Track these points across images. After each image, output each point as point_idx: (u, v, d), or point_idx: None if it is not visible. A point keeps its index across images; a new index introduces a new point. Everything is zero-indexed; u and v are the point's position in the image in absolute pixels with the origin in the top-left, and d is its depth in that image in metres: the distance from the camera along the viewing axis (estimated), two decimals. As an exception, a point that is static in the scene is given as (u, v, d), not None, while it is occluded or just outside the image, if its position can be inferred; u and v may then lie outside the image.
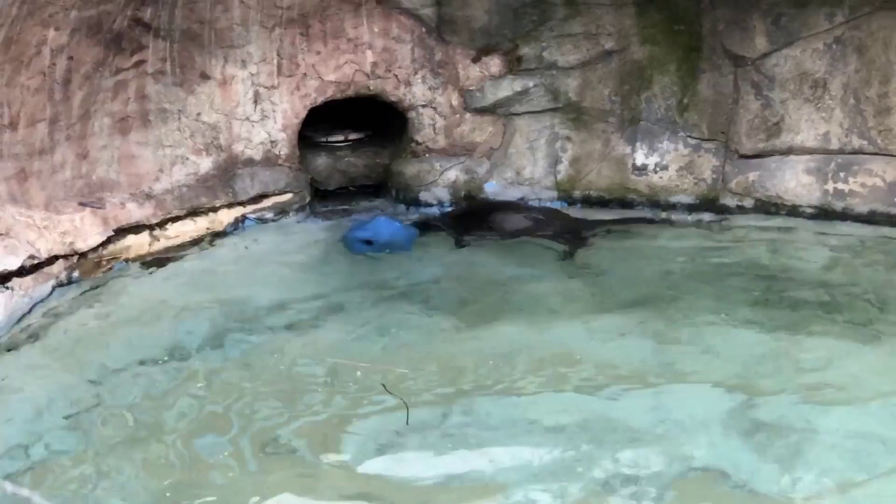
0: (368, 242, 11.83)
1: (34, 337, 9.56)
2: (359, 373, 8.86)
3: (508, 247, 11.85)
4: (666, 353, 9.16)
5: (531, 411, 8.21)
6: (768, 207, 12.26)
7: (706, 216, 12.36)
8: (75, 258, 10.57)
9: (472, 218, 12.43)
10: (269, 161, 12.63)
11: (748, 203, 12.32)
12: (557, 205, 12.79)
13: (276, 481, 7.41)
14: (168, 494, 7.20)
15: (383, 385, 8.60)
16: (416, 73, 12.95)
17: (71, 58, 10.45)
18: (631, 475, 7.36)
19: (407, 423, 8.04)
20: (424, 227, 12.30)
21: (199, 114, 12.05)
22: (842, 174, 11.99)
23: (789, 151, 12.15)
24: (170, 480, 7.37)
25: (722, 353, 9.12)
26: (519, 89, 12.78)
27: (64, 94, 10.55)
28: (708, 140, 12.46)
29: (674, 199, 12.57)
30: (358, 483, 7.45)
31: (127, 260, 11.14)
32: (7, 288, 9.63)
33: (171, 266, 11.26)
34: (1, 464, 7.39)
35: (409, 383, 8.66)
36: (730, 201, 12.39)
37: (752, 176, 12.25)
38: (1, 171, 10.10)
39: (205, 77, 12.02)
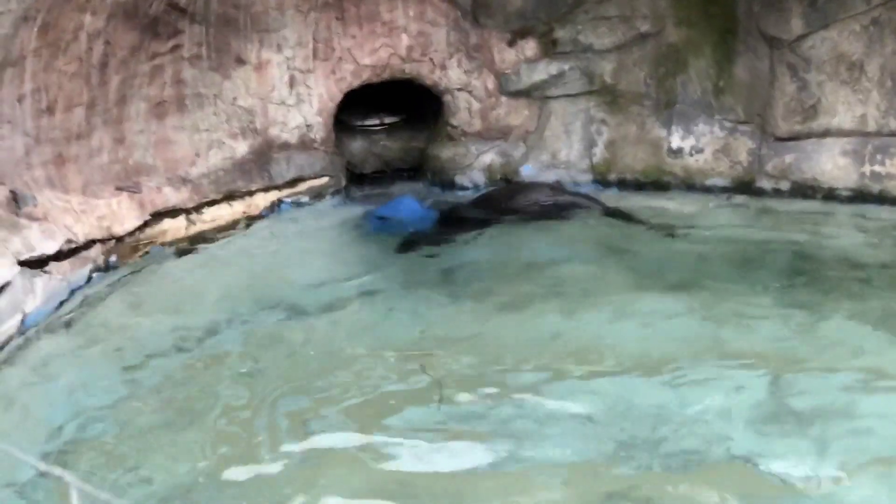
0: (384, 219, 11.91)
1: (72, 321, 9.63)
2: (392, 357, 8.88)
3: (540, 228, 11.84)
4: (704, 336, 9.13)
5: (571, 395, 8.22)
6: (804, 190, 12.19)
7: (742, 199, 12.31)
8: (112, 242, 10.63)
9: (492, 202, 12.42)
10: (305, 145, 12.66)
11: (784, 186, 12.25)
12: (591, 188, 12.75)
13: (311, 465, 7.42)
14: (201, 480, 7.23)
15: (421, 366, 8.61)
16: (451, 57, 12.94)
17: (108, 42, 10.50)
18: (669, 459, 7.35)
19: (439, 403, 8.05)
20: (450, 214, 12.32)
21: (234, 98, 12.08)
22: (878, 157, 11.90)
23: (826, 134, 12.07)
24: (204, 464, 7.40)
25: (758, 334, 9.08)
26: (554, 72, 12.77)
27: (101, 78, 10.60)
28: (744, 123, 12.41)
29: (709, 182, 12.53)
30: (394, 467, 7.46)
31: (164, 244, 11.19)
32: (45, 272, 9.69)
33: (207, 250, 11.31)
34: (38, 445, 7.45)
35: (443, 366, 8.66)
36: (766, 184, 12.33)
37: (788, 159, 12.18)
38: (39, 156, 10.16)
39: (240, 61, 12.05)
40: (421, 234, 11.63)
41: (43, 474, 6.81)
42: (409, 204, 12.23)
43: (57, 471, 2.92)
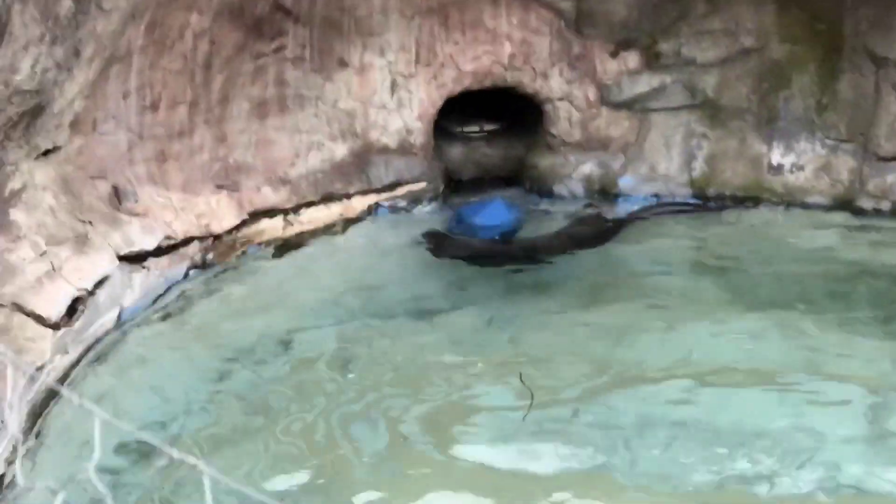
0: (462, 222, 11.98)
1: (168, 317, 9.75)
2: (480, 364, 8.89)
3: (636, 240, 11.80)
4: (798, 355, 9.05)
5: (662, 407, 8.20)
6: (906, 211, 12.04)
7: (841, 218, 12.14)
8: (210, 240, 10.73)
9: None
10: (404, 149, 12.68)
11: (885, 206, 12.07)
12: (691, 202, 12.65)
13: (399, 468, 7.47)
14: (292, 484, 7.29)
15: (520, 376, 8.61)
16: (553, 66, 12.89)
17: (212, 42, 10.60)
18: (756, 477, 7.32)
19: (524, 418, 8.07)
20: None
21: (336, 100, 12.14)
22: (981, 179, 11.75)
23: (929, 155, 11.92)
24: (295, 468, 7.47)
25: (856, 356, 8.99)
26: (656, 85, 12.69)
27: (204, 77, 10.70)
28: (846, 141, 12.23)
29: (809, 199, 12.36)
30: (481, 473, 7.49)
31: (260, 244, 11.26)
32: (144, 267, 9.82)
33: (304, 251, 11.37)
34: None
35: (535, 376, 8.67)
36: (866, 204, 12.15)
37: (890, 179, 12.01)
38: (141, 152, 10.29)
39: (343, 64, 12.11)
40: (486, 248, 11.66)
41: (174, 463, 6.98)
42: (496, 208, 12.18)
43: (191, 459, 2.94)
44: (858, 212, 12.15)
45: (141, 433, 3.75)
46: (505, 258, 11.29)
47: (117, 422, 3.04)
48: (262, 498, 3.07)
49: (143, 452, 7.46)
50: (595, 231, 11.94)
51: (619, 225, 12.00)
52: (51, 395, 7.98)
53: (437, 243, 11.57)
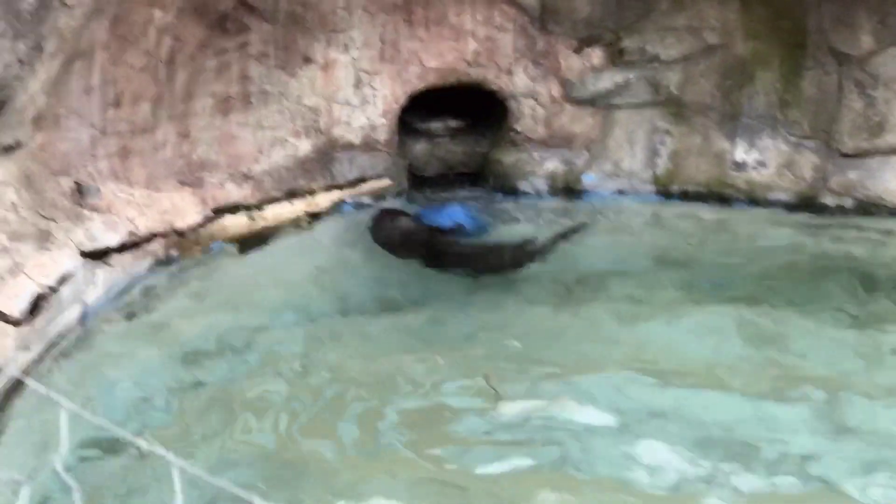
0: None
1: (132, 313, 9.71)
2: (440, 360, 8.90)
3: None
4: (760, 352, 9.10)
5: (621, 404, 8.23)
6: (868, 208, 12.06)
7: (804, 215, 12.20)
8: (174, 236, 10.69)
9: None
10: (368, 146, 12.66)
11: (848, 203, 12.13)
12: (654, 199, 12.68)
13: (372, 470, 7.48)
14: (259, 478, 7.29)
15: (485, 377, 8.62)
16: (517, 63, 12.90)
17: (176, 38, 10.56)
18: (723, 480, 7.35)
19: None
20: None
21: (300, 97, 12.11)
22: (946, 176, 11.82)
23: (892, 152, 11.96)
24: (260, 462, 7.46)
25: (819, 353, 9.04)
26: (620, 81, 12.71)
27: (168, 73, 10.66)
28: (809, 138, 12.29)
29: (772, 196, 12.42)
30: (445, 469, 7.50)
31: (225, 240, 11.23)
32: (107, 264, 9.77)
33: (268, 247, 11.33)
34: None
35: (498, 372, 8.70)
36: (829, 200, 12.20)
37: (853, 176, 12.07)
38: (104, 148, 10.24)
39: (307, 60, 12.08)
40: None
41: (142, 454, 6.97)
42: (454, 212, 12.21)
43: (160, 450, 2.93)
44: (821, 209, 12.20)
45: (108, 423, 3.73)
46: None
47: (84, 412, 3.03)
48: (231, 488, 3.05)
49: (109, 447, 7.44)
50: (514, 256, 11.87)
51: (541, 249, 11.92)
52: (11, 391, 7.95)
53: (379, 223, 11.70)
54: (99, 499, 7.13)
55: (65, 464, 3.24)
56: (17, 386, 8.02)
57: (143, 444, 3.11)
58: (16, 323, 8.33)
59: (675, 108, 12.70)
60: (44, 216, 9.30)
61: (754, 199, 12.49)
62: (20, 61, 8.20)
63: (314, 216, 12.05)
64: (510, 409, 8.12)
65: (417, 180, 13.22)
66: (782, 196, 12.38)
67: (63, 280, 9.03)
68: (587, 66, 12.82)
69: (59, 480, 3.32)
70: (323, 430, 7.97)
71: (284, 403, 8.23)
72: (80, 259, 9.37)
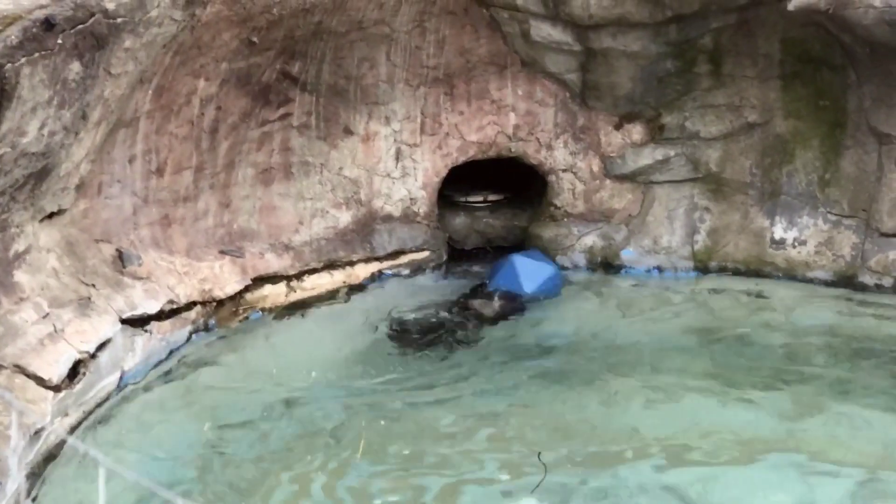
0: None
1: (170, 380, 9.75)
2: (485, 436, 8.88)
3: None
4: (795, 430, 9.01)
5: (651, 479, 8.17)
6: (908, 287, 12.04)
7: (843, 293, 12.12)
8: (213, 305, 10.73)
9: None
10: (408, 218, 12.71)
11: (887, 282, 12.06)
12: (692, 275, 12.65)
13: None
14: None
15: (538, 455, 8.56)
16: (557, 138, 12.95)
17: (219, 108, 10.65)
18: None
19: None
20: None
21: (340, 168, 12.18)
22: (984, 254, 11.79)
23: (932, 232, 11.95)
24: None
25: (853, 433, 8.95)
26: (660, 158, 12.72)
27: (210, 143, 10.75)
28: (848, 217, 12.25)
29: (811, 274, 12.37)
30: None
31: (263, 310, 11.26)
32: (146, 331, 9.81)
33: (307, 318, 11.36)
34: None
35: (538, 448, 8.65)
36: (868, 279, 12.14)
37: (892, 255, 12.01)
38: (146, 216, 10.32)
39: (348, 132, 12.16)
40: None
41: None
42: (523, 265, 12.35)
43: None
44: (860, 287, 12.13)
45: (148, 480, 3.73)
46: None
47: (120, 468, 3.04)
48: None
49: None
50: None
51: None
52: (48, 458, 7.97)
53: None
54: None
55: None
56: (54, 452, 8.05)
57: (179, 501, 3.12)
58: (55, 388, 8.36)
59: (715, 184, 12.70)
60: (85, 282, 9.37)
61: (793, 277, 12.43)
62: (65, 129, 8.29)
63: (353, 287, 12.07)
64: None
65: (456, 253, 13.25)
66: (821, 274, 12.33)
67: (102, 346, 9.08)
68: (627, 142, 12.85)
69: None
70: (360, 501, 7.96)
71: (315, 478, 8.20)
72: (119, 326, 9.41)
